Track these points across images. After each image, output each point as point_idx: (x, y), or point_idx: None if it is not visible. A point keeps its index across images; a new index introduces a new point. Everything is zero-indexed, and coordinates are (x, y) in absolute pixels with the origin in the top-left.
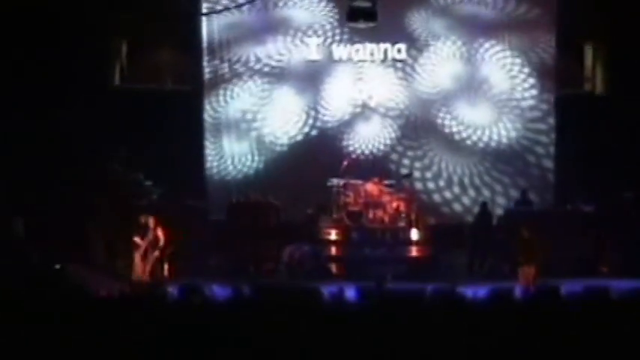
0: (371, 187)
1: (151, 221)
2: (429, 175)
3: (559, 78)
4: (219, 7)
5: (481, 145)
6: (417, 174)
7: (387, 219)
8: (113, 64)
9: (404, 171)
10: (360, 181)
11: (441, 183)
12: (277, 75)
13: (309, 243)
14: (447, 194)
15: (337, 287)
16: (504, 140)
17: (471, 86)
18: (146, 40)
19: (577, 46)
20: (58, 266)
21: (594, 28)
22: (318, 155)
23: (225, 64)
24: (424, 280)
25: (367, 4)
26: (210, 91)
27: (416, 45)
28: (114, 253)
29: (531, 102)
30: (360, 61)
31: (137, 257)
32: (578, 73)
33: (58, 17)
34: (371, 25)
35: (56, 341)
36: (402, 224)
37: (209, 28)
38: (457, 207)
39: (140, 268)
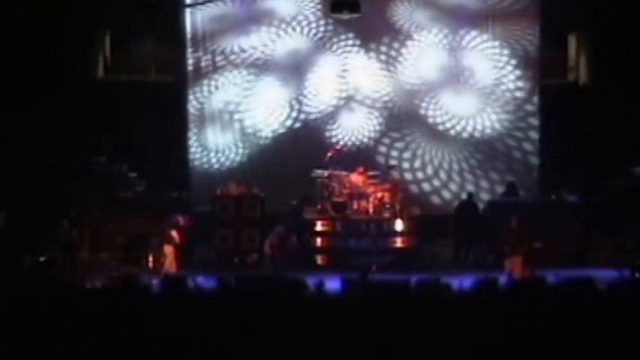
0: (355, 177)
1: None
2: (413, 165)
3: (543, 68)
4: None
5: (465, 135)
6: (401, 164)
7: (371, 210)
8: (96, 56)
9: (389, 161)
10: (344, 172)
11: (426, 173)
12: (261, 66)
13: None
14: (432, 184)
15: (322, 278)
16: (488, 130)
17: (455, 76)
18: (130, 31)
19: (561, 37)
20: (42, 258)
21: (578, 19)
22: (303, 146)
23: (209, 56)
24: (409, 270)
25: None
26: (194, 83)
27: (400, 36)
28: (98, 244)
29: (515, 92)
30: (344, 52)
31: (169, 249)
32: (562, 63)
33: (41, 9)
34: (355, 16)
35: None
36: (386, 215)
37: (193, 19)
38: (442, 197)
39: (170, 259)
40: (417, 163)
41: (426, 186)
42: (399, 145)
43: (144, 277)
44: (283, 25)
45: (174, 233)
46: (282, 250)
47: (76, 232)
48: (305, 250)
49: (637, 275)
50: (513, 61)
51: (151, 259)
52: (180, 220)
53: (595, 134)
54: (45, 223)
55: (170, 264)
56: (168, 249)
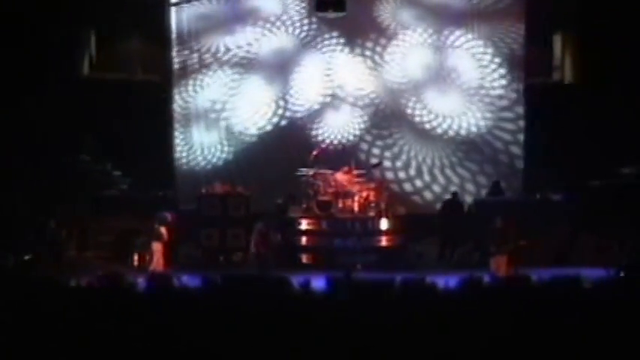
0: (341, 176)
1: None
2: (398, 164)
3: (528, 67)
4: None
5: (451, 133)
6: (386, 163)
7: (356, 208)
8: (82, 54)
9: (374, 160)
10: (329, 171)
11: (411, 172)
12: (246, 65)
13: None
14: (417, 183)
15: (307, 277)
16: (474, 129)
17: (441, 75)
18: (115, 30)
19: (546, 36)
20: (27, 257)
21: (563, 18)
22: (288, 145)
23: (195, 54)
24: (394, 269)
25: None
26: (180, 81)
27: (385, 34)
28: (83, 243)
29: (501, 91)
30: (329, 51)
31: (158, 246)
32: (547, 62)
33: (26, 6)
34: (340, 15)
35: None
36: (371, 214)
37: (178, 18)
38: (427, 196)
39: (158, 257)
40: (403, 162)
41: (411, 185)
42: (384, 143)
43: (129, 275)
44: (268, 24)
45: (163, 230)
46: (266, 246)
47: (62, 231)
48: (290, 248)
49: (622, 274)
50: (498, 60)
51: (136, 257)
52: (169, 216)
53: (580, 133)
54: (30, 222)
55: (158, 261)
56: (156, 246)
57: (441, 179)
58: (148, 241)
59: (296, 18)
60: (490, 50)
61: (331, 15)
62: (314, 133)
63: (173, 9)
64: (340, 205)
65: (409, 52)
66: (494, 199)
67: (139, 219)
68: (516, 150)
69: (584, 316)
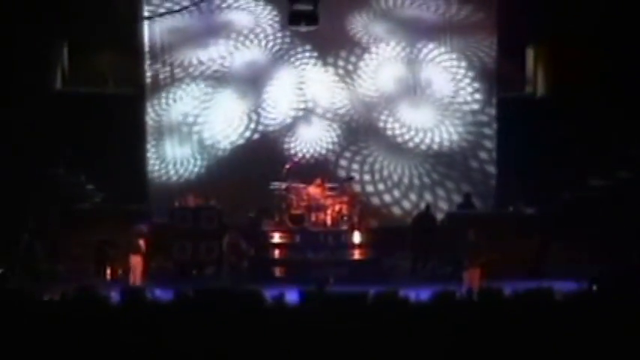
0: (313, 190)
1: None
2: (371, 177)
3: (501, 80)
4: (161, 11)
5: (423, 147)
6: (359, 176)
7: (329, 222)
8: (54, 68)
9: (347, 173)
10: (302, 184)
11: (384, 186)
12: (219, 78)
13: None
14: (390, 197)
15: (279, 290)
16: (446, 143)
17: (413, 89)
18: (87, 43)
19: (518, 49)
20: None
21: (535, 32)
22: (261, 158)
23: (167, 68)
24: (367, 282)
25: (308, 8)
26: (153, 95)
27: (358, 48)
28: (56, 256)
29: (473, 104)
30: (301, 64)
31: (136, 259)
32: (519, 75)
33: None
34: (312, 28)
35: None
36: (344, 227)
37: (151, 31)
38: (400, 209)
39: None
40: (375, 175)
41: (383, 198)
42: (356, 157)
43: (102, 288)
44: (241, 38)
45: (141, 242)
46: (238, 256)
47: (36, 244)
48: (262, 261)
49: (594, 287)
50: (471, 74)
51: (109, 270)
52: (145, 228)
53: (552, 146)
54: (3, 235)
55: (137, 274)
56: (135, 259)
57: (413, 192)
58: (124, 254)
59: (269, 31)
60: (463, 64)
61: (304, 28)
62: (287, 146)
63: (146, 22)
64: (313, 218)
65: (382, 65)
66: (467, 212)
67: (112, 232)
68: (489, 163)
69: (556, 329)
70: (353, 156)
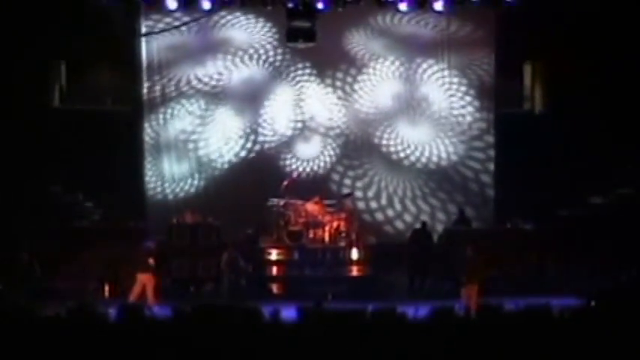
0: (311, 206)
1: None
2: (369, 194)
3: (498, 97)
4: (158, 28)
5: (420, 164)
6: (357, 193)
7: (327, 238)
8: (52, 85)
9: (344, 190)
10: (300, 201)
11: (382, 202)
12: (217, 95)
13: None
14: (388, 213)
15: (277, 307)
16: (444, 159)
17: (411, 105)
18: (85, 60)
19: (516, 66)
20: None
21: (533, 48)
22: (258, 175)
23: (165, 85)
24: (365, 299)
25: (306, 25)
26: (150, 112)
27: (355, 65)
28: (54, 273)
29: (471, 121)
30: (299, 81)
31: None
32: (517, 92)
33: None
34: (310, 45)
35: None
36: (342, 244)
37: (148, 48)
38: (397, 226)
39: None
40: (373, 192)
41: (381, 215)
42: (354, 174)
43: (100, 306)
44: (239, 54)
45: (151, 260)
46: (237, 273)
47: (35, 263)
48: (260, 278)
49: (592, 303)
50: (469, 90)
51: (107, 287)
52: (152, 245)
53: (550, 163)
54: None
55: (150, 293)
56: (144, 277)
57: (411, 209)
58: (131, 272)
59: (267, 48)
60: (460, 80)
61: (301, 45)
62: (284, 163)
63: (143, 39)
64: (311, 235)
65: (380, 82)
66: (465, 228)
67: (110, 250)
68: (487, 179)
69: (554, 344)
70: (350, 172)
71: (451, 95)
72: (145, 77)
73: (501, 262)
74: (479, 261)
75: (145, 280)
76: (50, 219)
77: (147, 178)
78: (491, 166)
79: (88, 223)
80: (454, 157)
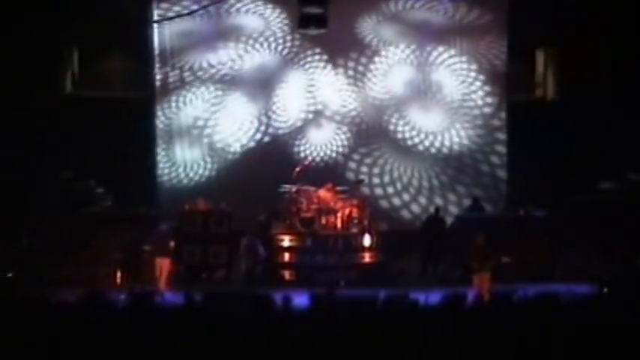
0: (324, 193)
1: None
2: (381, 180)
3: (511, 83)
4: (170, 14)
5: (433, 150)
6: (369, 180)
7: (339, 225)
8: (64, 72)
9: (356, 176)
10: (312, 188)
11: (394, 189)
12: (229, 82)
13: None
14: (400, 200)
15: (289, 294)
16: (456, 145)
17: (423, 92)
18: (97, 47)
19: (528, 52)
20: (10, 274)
21: (545, 34)
22: (271, 162)
23: (177, 71)
24: (376, 286)
25: (318, 11)
26: (162, 98)
27: (367, 51)
28: (66, 260)
29: (483, 107)
30: (311, 67)
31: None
32: (529, 78)
33: (8, 24)
34: (322, 31)
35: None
36: (354, 230)
37: (160, 35)
38: (410, 213)
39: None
40: (385, 179)
41: (394, 201)
42: (366, 160)
43: (110, 292)
44: (251, 41)
45: (171, 244)
46: (255, 260)
47: (46, 249)
48: (272, 265)
49: (604, 290)
50: (481, 77)
51: (119, 274)
52: (168, 229)
53: (562, 150)
54: (12, 239)
55: (163, 278)
56: (162, 262)
57: (423, 195)
58: (147, 257)
59: (278, 35)
60: (472, 66)
61: (313, 32)
62: (297, 149)
63: (155, 26)
64: (323, 221)
65: (392, 68)
66: (477, 215)
67: (122, 236)
68: (499, 166)
69: (566, 331)
70: (363, 159)
71: (463, 81)
72: (157, 64)
73: (513, 248)
74: (491, 248)
75: (163, 264)
76: (62, 205)
77: (159, 165)
78: (503, 153)
79: (100, 209)
80: (466, 144)
